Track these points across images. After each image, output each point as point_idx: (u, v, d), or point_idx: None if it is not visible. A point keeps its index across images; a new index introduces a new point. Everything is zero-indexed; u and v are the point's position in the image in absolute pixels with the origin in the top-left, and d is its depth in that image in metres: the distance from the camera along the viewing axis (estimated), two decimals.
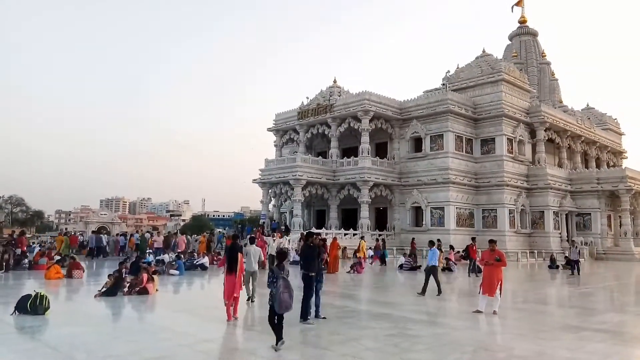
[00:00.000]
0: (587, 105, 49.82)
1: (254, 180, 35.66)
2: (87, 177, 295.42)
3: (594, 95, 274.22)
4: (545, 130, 36.98)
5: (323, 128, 36.53)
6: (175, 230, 44.53)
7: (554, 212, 34.89)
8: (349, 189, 33.34)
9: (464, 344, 7.07)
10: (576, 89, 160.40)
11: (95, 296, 11.27)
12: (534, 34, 51.24)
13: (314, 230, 29.35)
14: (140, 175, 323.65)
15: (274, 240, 20.02)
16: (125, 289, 11.67)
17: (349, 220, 34.86)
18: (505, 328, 8.51)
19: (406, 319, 9.10)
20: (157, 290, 12.36)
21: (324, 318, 8.78)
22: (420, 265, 21.94)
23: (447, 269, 21.59)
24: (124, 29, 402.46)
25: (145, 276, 11.97)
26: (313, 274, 8.80)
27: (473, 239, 22.02)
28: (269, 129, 40.83)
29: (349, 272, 19.20)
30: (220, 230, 41.73)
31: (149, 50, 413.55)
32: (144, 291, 11.75)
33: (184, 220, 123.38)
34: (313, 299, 8.82)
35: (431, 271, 12.90)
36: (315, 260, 9.07)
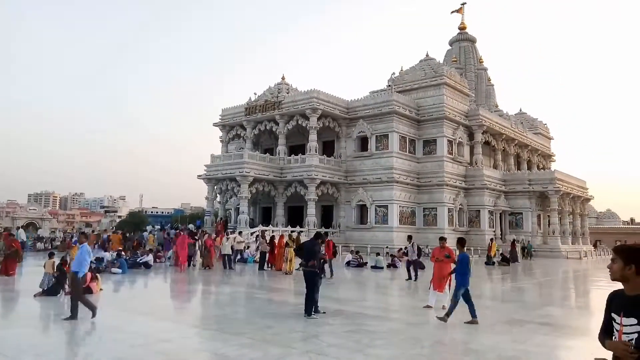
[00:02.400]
0: (520, 110, 52.66)
1: (199, 175, 34.89)
2: (13, 170, 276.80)
3: (526, 100, 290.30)
4: (482, 133, 38.73)
5: (271, 125, 36.31)
6: (111, 228, 42.67)
7: (489, 211, 36.66)
8: (296, 187, 33.38)
9: (421, 338, 7.30)
10: (510, 94, 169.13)
11: (34, 295, 10.63)
12: (472, 41, 53.39)
13: (261, 227, 29.15)
14: (72, 169, 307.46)
15: (227, 239, 19.58)
16: (67, 289, 11.07)
17: (296, 217, 34.90)
18: (457, 323, 8.85)
19: (361, 315, 9.25)
20: (101, 289, 11.84)
21: (324, 313, 9.08)
22: (367, 262, 22.43)
23: (393, 265, 22.18)
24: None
25: (89, 275, 11.39)
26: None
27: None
28: (215, 124, 40.05)
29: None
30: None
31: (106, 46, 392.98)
32: (88, 290, 11.19)
33: (120, 216, 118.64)
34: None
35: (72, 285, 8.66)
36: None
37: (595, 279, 20.39)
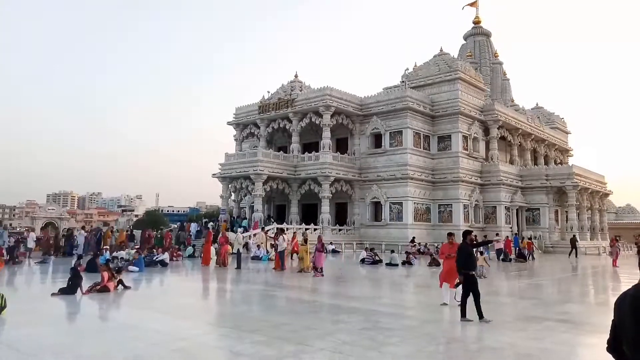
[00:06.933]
0: (537, 104, 51.88)
1: (214, 174, 35.11)
2: (33, 171, 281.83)
3: (543, 94, 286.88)
4: (498, 128, 38.27)
5: (284, 123, 36.35)
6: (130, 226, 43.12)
7: (505, 207, 36.22)
8: (309, 184, 33.39)
9: (437, 335, 7.24)
10: (526, 88, 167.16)
11: (52, 294, 10.78)
12: (487, 35, 52.73)
13: (276, 225, 29.20)
14: (90, 169, 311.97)
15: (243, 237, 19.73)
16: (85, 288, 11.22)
17: (310, 215, 34.92)
18: (473, 320, 8.74)
19: (376, 312, 9.20)
20: (116, 288, 11.99)
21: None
22: (382, 260, 22.35)
23: (407, 262, 22.04)
24: (76, 23, 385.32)
25: (106, 274, 11.55)
26: (472, 272, 8.61)
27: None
28: (229, 123, 40.23)
29: None
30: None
31: (102, 41, 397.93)
32: (105, 289, 11.35)
33: (136, 215, 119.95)
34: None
35: None
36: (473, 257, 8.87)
37: (615, 274, 20.03)
